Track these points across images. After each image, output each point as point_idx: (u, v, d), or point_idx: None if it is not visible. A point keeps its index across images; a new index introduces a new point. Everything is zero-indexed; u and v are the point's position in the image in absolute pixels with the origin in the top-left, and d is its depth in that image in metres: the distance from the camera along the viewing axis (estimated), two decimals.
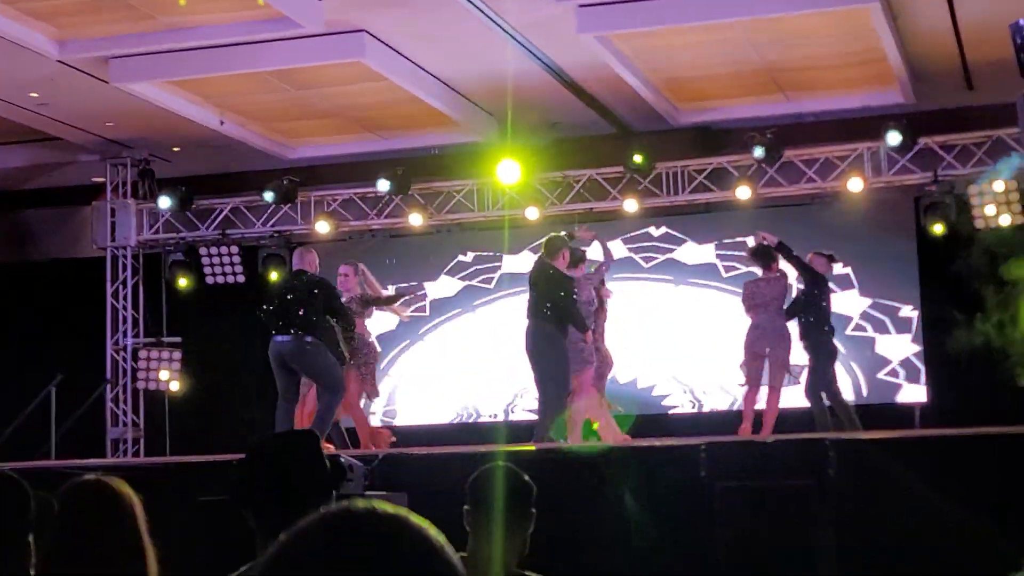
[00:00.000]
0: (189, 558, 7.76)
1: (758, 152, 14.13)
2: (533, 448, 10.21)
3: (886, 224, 14.80)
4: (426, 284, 16.18)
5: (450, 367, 15.88)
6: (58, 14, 12.01)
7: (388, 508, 1.39)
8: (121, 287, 16.33)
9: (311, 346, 10.80)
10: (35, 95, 13.80)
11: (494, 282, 15.67)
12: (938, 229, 13.96)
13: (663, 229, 15.65)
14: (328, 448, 10.41)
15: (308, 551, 1.36)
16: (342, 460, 3.50)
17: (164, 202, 15.78)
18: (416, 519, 1.39)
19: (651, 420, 12.87)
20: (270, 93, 14.18)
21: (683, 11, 11.95)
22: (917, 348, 14.64)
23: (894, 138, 13.81)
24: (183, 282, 16.08)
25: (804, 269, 12.16)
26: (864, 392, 14.76)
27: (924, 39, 12.84)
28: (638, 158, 14.57)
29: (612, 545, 9.03)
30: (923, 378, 14.59)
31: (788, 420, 11.97)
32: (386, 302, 12.45)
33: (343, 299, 11.47)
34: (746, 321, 12.31)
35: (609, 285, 12.66)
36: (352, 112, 14.97)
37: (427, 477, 9.26)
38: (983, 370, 14.07)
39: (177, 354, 15.71)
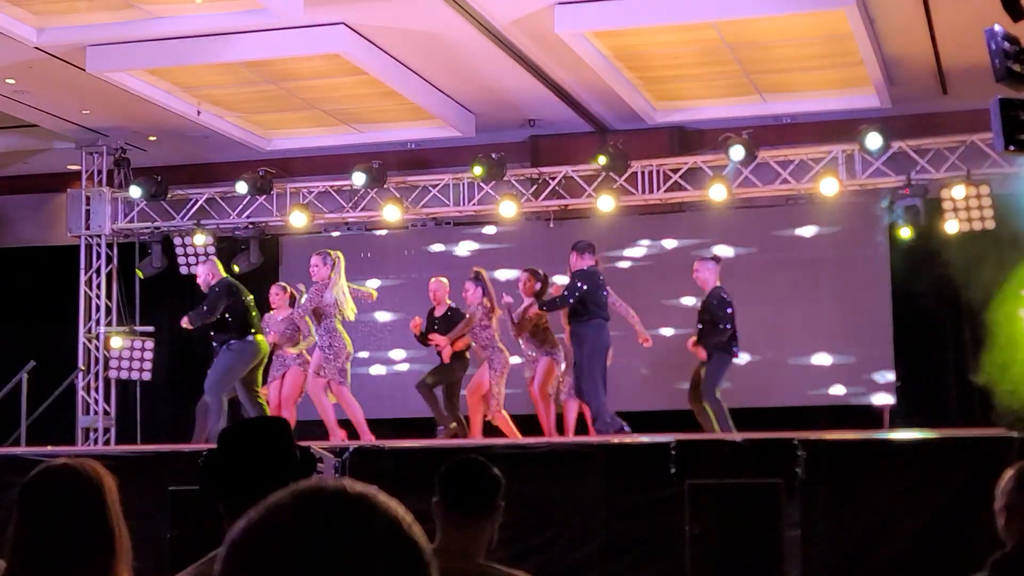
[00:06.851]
0: (160, 547, 7.77)
1: (734, 153, 14.16)
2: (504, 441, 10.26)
3: (859, 226, 14.87)
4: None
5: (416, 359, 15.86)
6: (36, 0, 11.97)
7: (358, 486, 1.41)
8: (95, 275, 16.29)
9: None
10: (12, 81, 13.74)
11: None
12: (907, 233, 13.99)
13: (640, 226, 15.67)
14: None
15: (278, 525, 1.38)
16: (312, 451, 3.51)
17: (139, 191, 15.76)
18: (385, 497, 1.41)
19: (627, 416, 12.85)
20: (248, 84, 14.16)
21: (660, 11, 12.00)
22: (888, 350, 14.70)
23: (874, 141, 13.82)
24: (153, 271, 16.06)
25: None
26: (835, 393, 14.82)
27: (900, 43, 12.92)
28: (603, 159, 14.61)
29: (581, 540, 9.07)
30: (893, 381, 14.65)
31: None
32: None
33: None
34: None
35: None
36: (329, 105, 14.97)
37: (397, 469, 9.28)
38: (952, 374, 14.19)
39: (149, 343, 15.67)
